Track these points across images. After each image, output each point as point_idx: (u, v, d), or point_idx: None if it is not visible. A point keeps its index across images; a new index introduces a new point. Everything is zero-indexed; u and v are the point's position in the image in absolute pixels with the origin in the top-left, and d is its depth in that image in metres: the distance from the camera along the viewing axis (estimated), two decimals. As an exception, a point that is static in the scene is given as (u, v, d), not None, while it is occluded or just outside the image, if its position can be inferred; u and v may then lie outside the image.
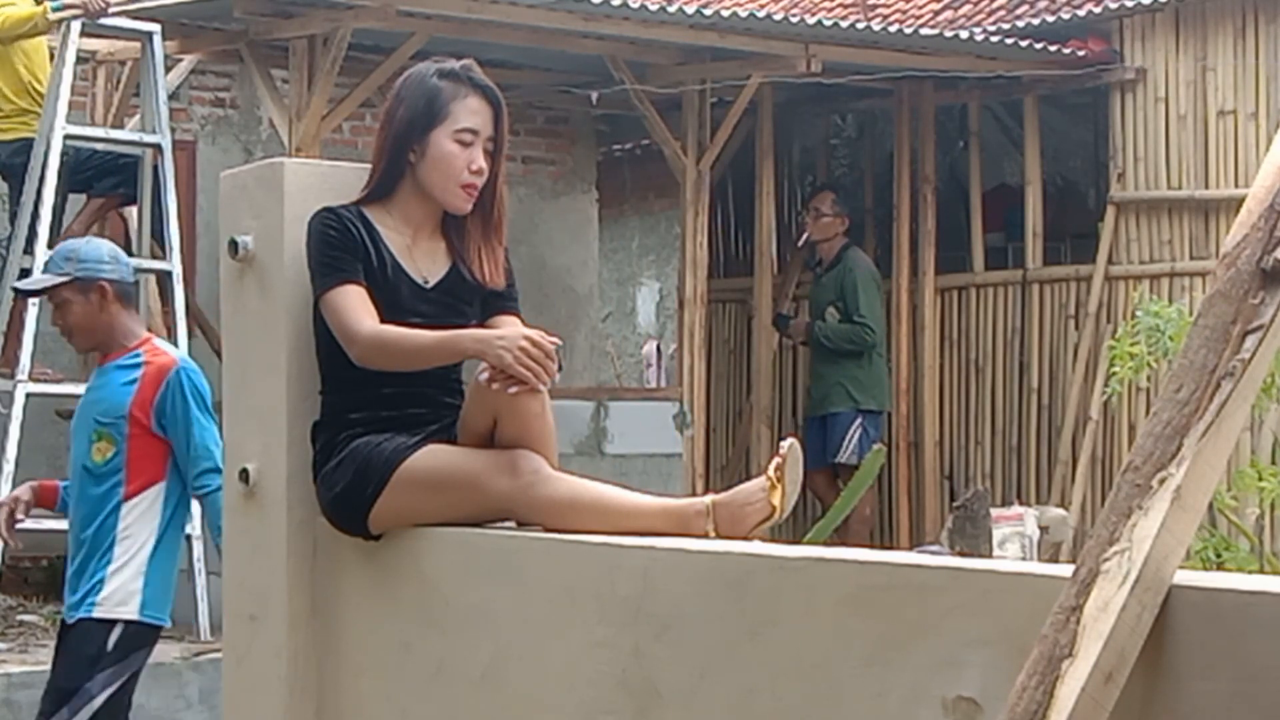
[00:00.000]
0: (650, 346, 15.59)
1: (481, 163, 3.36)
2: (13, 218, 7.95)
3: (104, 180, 8.13)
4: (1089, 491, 9.85)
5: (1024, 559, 7.13)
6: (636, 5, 8.56)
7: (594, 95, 10.01)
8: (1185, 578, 1.97)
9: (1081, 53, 10.01)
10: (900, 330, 10.54)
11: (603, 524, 3.03)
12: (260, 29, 8.50)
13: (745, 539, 2.97)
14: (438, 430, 3.29)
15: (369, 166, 3.46)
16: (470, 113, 3.36)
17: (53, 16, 7.71)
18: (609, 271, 15.19)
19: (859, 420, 9.73)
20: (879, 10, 11.83)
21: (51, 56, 8.09)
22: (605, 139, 12.54)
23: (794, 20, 9.23)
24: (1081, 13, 10.18)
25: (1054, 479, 10.08)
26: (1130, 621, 1.90)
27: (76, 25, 7.72)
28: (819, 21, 9.28)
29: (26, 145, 7.85)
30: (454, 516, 3.21)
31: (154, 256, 8.02)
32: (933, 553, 5.31)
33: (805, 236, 10.30)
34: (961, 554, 5.84)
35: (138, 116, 8.59)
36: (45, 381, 7.87)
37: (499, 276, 3.42)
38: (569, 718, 2.88)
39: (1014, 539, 7.30)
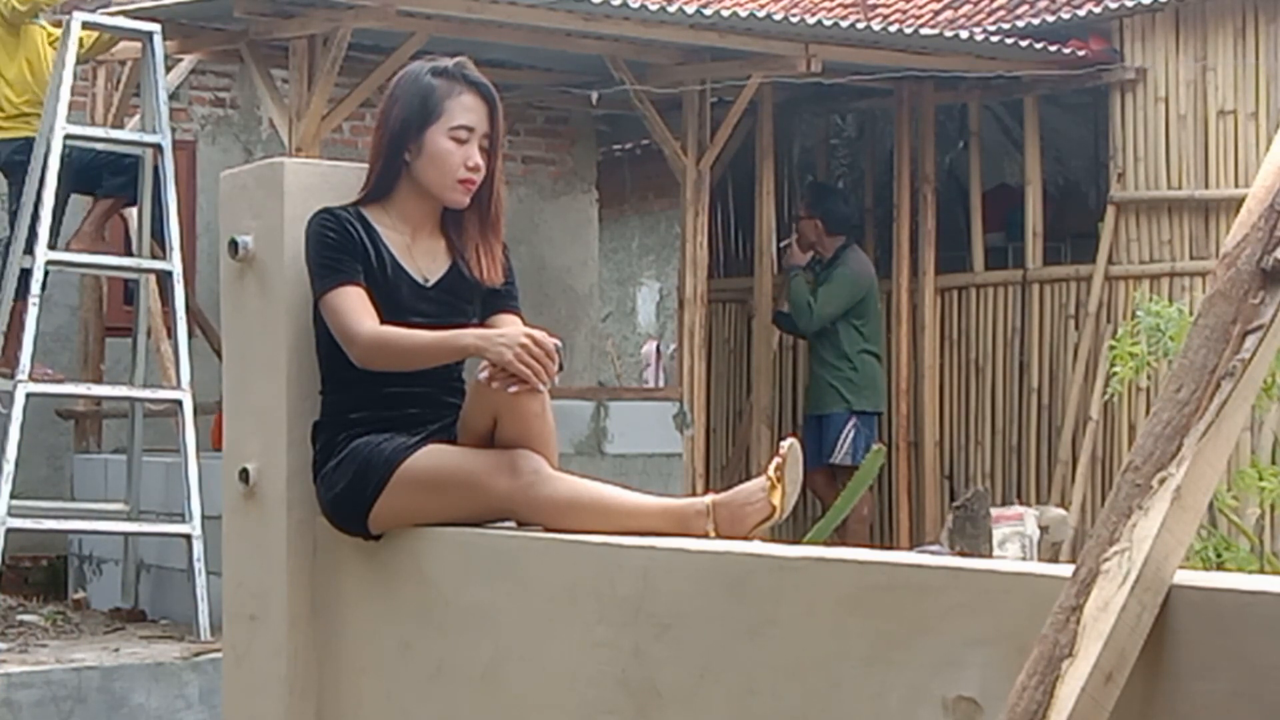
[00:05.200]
0: (650, 346, 15.59)
1: (478, 159, 3.36)
2: (13, 217, 7.95)
3: (112, 180, 8.12)
4: (1089, 491, 9.84)
5: (1024, 559, 7.13)
6: (636, 5, 8.55)
7: (594, 95, 9.99)
8: (1185, 578, 1.97)
9: (1081, 53, 10.00)
10: (900, 330, 10.54)
11: (603, 524, 3.03)
12: (260, 29, 8.50)
13: (745, 539, 2.97)
14: (438, 430, 3.29)
15: (367, 167, 3.46)
16: (465, 110, 3.36)
17: None
18: (609, 271, 15.19)
19: (852, 421, 9.72)
20: (879, 10, 11.82)
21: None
22: (605, 139, 12.53)
23: (794, 20, 9.22)
24: (1081, 13, 10.17)
25: (1054, 479, 10.08)
26: (1130, 621, 1.90)
27: (77, 25, 7.71)
28: (819, 21, 9.27)
29: (27, 144, 7.86)
30: (454, 516, 3.21)
31: (154, 256, 8.01)
32: (933, 553, 5.32)
33: (788, 242, 10.28)
34: (961, 554, 5.84)
35: (138, 116, 8.59)
36: (45, 381, 7.86)
37: (497, 274, 3.42)
38: (569, 718, 2.88)
39: (1014, 539, 7.30)
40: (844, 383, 9.77)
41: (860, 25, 9.54)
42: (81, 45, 7.93)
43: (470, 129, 3.35)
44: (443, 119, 3.34)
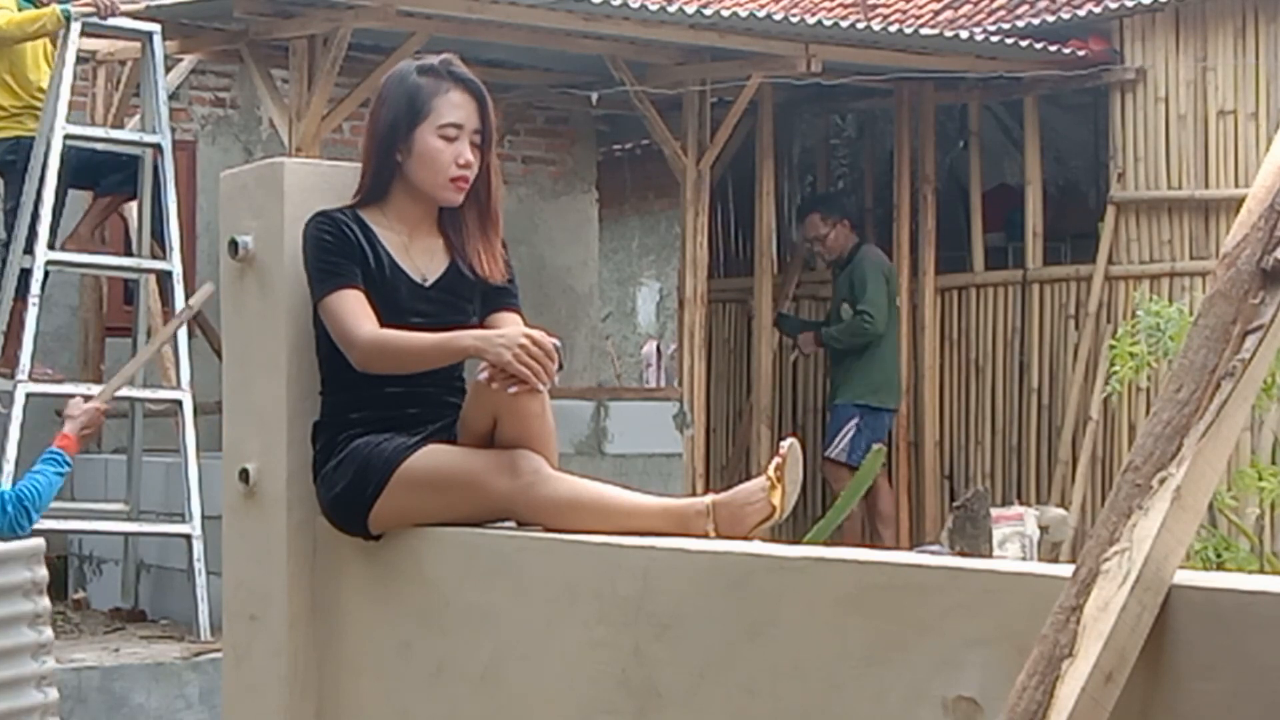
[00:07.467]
0: (650, 346, 15.60)
1: (469, 156, 3.36)
2: (11, 213, 7.95)
3: (111, 177, 8.12)
4: (1089, 491, 9.84)
5: (1024, 559, 7.13)
6: (636, 5, 8.55)
7: (594, 95, 10.00)
8: (1185, 578, 1.97)
9: (1081, 53, 10.00)
10: (900, 330, 10.53)
11: (603, 524, 3.03)
12: (260, 29, 8.50)
13: (745, 539, 2.97)
14: (438, 430, 3.29)
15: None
16: (453, 107, 3.35)
17: (75, 10, 7.70)
18: (609, 271, 15.19)
19: (856, 419, 9.72)
20: (879, 10, 11.82)
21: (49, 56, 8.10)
22: (605, 139, 12.53)
23: (794, 20, 9.22)
24: (1081, 13, 10.18)
25: (1054, 479, 10.08)
26: (1130, 621, 1.90)
27: (77, 25, 7.71)
28: (819, 21, 9.27)
29: (17, 144, 7.86)
30: (454, 516, 3.21)
31: (154, 256, 8.02)
32: (933, 553, 5.31)
33: (814, 251, 10.37)
34: (961, 554, 5.84)
35: (138, 116, 8.59)
36: (45, 381, 7.86)
37: (498, 270, 3.42)
38: (569, 718, 2.88)
39: (1014, 539, 7.30)
40: (852, 375, 9.82)
41: (860, 25, 9.55)
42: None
43: (459, 126, 3.35)
44: (431, 118, 3.34)
